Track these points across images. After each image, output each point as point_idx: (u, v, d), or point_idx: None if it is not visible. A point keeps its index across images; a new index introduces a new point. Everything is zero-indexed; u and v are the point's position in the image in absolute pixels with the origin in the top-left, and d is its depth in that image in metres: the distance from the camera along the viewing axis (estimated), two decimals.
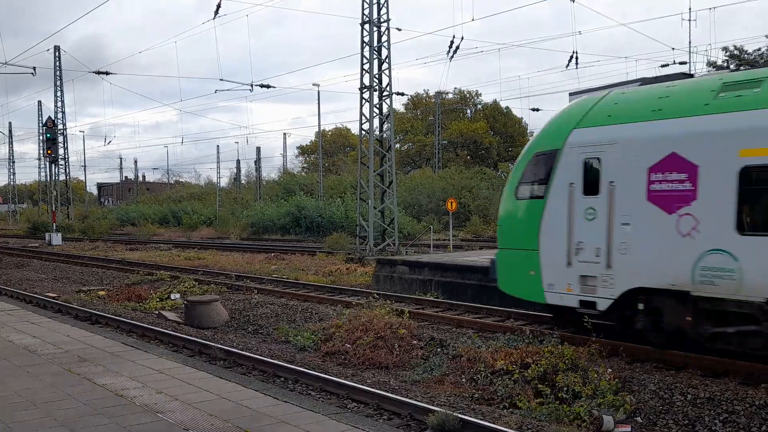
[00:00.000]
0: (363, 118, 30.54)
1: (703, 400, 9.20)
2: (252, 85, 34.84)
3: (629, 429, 9.01)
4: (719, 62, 38.84)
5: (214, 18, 30.86)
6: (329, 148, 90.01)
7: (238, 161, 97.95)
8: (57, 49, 55.19)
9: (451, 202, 30.61)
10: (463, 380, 11.21)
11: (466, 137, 77.08)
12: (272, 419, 7.27)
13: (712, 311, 10.08)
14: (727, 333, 10.07)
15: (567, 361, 10.40)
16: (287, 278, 21.60)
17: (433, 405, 9.19)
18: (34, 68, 41.51)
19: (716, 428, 8.71)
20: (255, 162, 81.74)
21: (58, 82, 56.00)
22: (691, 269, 10.13)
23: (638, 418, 9.33)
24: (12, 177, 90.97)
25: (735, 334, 10.00)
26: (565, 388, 9.90)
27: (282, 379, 11.18)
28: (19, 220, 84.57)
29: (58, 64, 55.53)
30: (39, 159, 71.26)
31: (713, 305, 10.00)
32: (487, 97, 71.31)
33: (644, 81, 12.61)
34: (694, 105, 10.53)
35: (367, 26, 29.70)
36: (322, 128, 59.26)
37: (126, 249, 39.25)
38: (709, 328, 10.21)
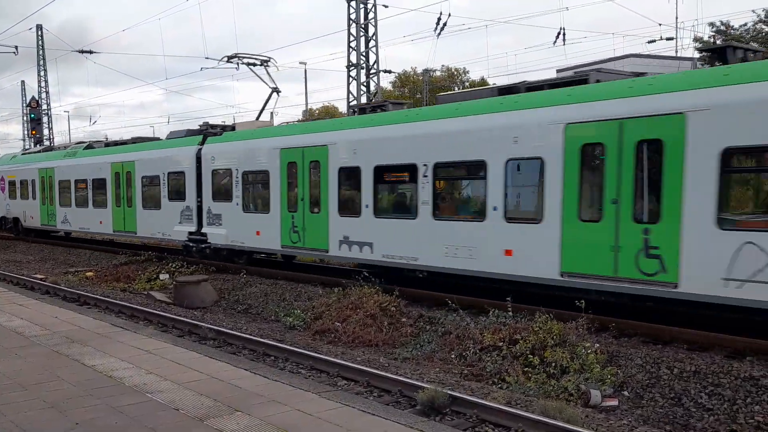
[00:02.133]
0: (350, 96, 30.37)
1: (689, 373, 9.31)
2: (238, 64, 34.43)
3: (616, 402, 9.12)
4: (706, 38, 38.86)
5: None
6: None
7: None
8: (39, 28, 54.31)
9: None
10: (453, 357, 11.29)
11: None
12: (262, 398, 7.29)
13: None
14: None
15: (555, 337, 10.48)
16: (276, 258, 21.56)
17: (422, 382, 9.27)
18: (16, 47, 40.92)
19: (702, 401, 8.83)
20: None
21: (42, 62, 55.18)
22: None
23: (625, 392, 9.44)
24: None
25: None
26: (554, 364, 9.99)
27: (272, 358, 11.22)
28: None
29: (40, 43, 54.69)
30: (23, 140, 70.39)
31: None
32: (474, 75, 70.89)
33: None
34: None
35: (353, 3, 29.43)
36: (309, 107, 58.80)
37: None
38: None
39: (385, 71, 36.09)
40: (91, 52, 39.34)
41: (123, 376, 8.19)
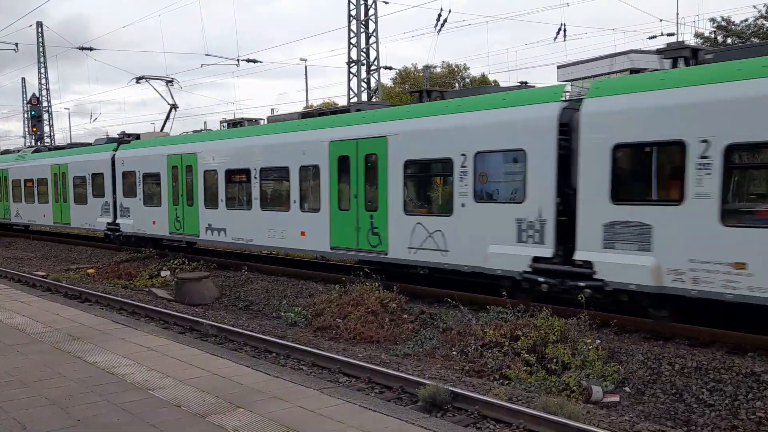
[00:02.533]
0: (351, 92, 30.35)
1: (691, 369, 9.31)
2: (238, 60, 34.45)
3: (618, 399, 9.13)
4: (707, 33, 38.78)
5: None
6: None
7: None
8: (39, 25, 54.33)
9: None
10: (454, 353, 11.29)
11: None
12: (264, 395, 7.30)
13: None
14: None
15: (557, 333, 10.48)
16: (277, 254, 21.60)
17: (424, 378, 9.27)
18: (16, 44, 40.88)
19: (703, 397, 8.83)
20: None
21: (42, 59, 55.17)
22: None
23: (627, 388, 9.45)
24: None
25: None
26: (555, 360, 9.99)
27: (273, 354, 11.23)
28: None
29: (41, 40, 54.67)
30: (24, 137, 70.38)
31: None
32: (475, 71, 70.66)
33: None
34: None
35: None
36: (309, 103, 58.75)
37: None
38: None
39: (386, 68, 36.04)
40: (91, 48, 39.28)
41: (125, 372, 8.19)
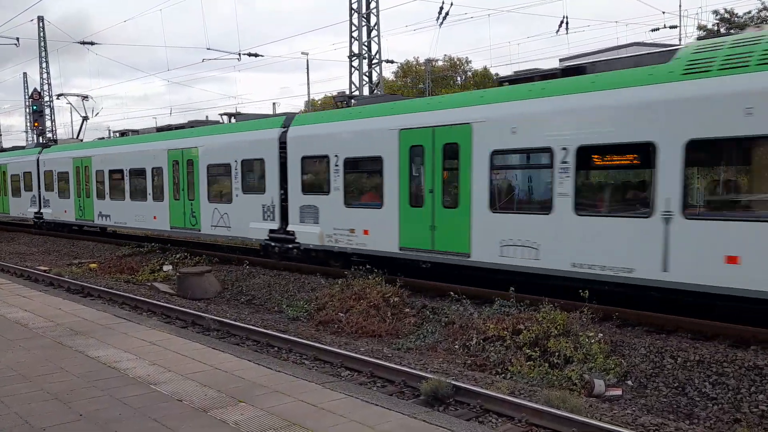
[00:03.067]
0: (353, 86, 30.27)
1: (693, 362, 9.29)
2: (240, 54, 34.39)
3: (620, 392, 9.11)
4: (710, 26, 38.63)
5: None
6: None
7: None
8: (41, 19, 54.25)
9: None
10: (456, 347, 11.29)
11: None
12: (266, 389, 7.30)
13: None
14: None
15: (559, 327, 10.46)
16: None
17: (426, 372, 9.26)
18: (18, 39, 40.81)
19: (706, 390, 8.82)
20: None
21: (43, 54, 55.13)
22: None
23: (629, 382, 9.43)
24: None
25: None
26: (557, 353, 9.98)
27: (275, 348, 11.22)
28: None
29: (42, 34, 54.61)
30: (26, 132, 70.45)
31: None
32: (477, 64, 70.67)
33: None
34: None
35: None
36: (311, 97, 58.71)
37: None
38: None
39: (388, 61, 35.95)
40: (92, 43, 39.19)
41: (126, 367, 8.19)
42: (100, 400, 6.95)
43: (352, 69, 30.19)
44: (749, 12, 38.42)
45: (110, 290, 16.57)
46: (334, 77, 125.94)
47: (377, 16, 29.92)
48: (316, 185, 16.78)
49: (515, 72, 14.75)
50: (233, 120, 20.56)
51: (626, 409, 8.33)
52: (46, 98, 55.57)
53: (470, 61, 72.83)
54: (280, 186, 17.73)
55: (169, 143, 22.10)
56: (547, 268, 11.94)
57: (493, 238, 12.66)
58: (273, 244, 18.36)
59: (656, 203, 10.39)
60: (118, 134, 28.66)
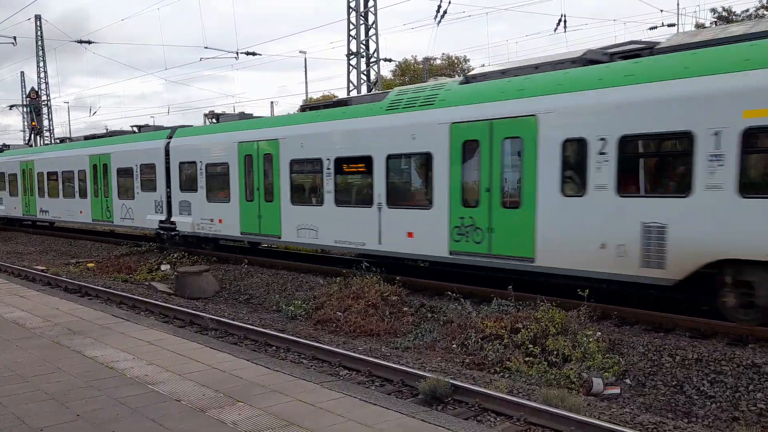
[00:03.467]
0: (350, 85, 30.24)
1: (692, 361, 9.29)
2: (237, 53, 34.37)
3: (618, 391, 9.11)
4: (708, 24, 38.64)
5: None
6: None
7: None
8: (38, 18, 54.14)
9: None
10: (454, 346, 11.28)
11: None
12: (264, 389, 7.28)
13: None
14: None
15: (557, 326, 10.45)
16: (277, 248, 21.60)
17: (424, 371, 9.25)
18: (15, 38, 40.68)
19: (704, 388, 8.81)
20: None
21: (41, 53, 55.01)
22: None
23: (627, 380, 9.43)
24: None
25: None
26: (556, 352, 9.97)
27: (274, 348, 11.20)
28: None
29: (39, 33, 54.50)
30: (23, 131, 70.25)
31: None
32: (474, 63, 70.55)
33: None
34: None
35: None
36: (309, 96, 58.52)
37: None
38: None
39: (386, 60, 35.93)
40: (90, 42, 39.16)
41: (124, 367, 8.17)
42: (97, 400, 6.93)
43: (350, 68, 30.15)
44: (747, 10, 38.46)
45: (108, 290, 16.54)
46: (333, 76, 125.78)
47: (375, 14, 29.89)
48: (189, 185, 21.23)
49: (316, 100, 19.15)
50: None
51: (624, 408, 8.32)
52: (44, 97, 55.48)
53: (468, 60, 72.74)
54: (167, 185, 22.22)
55: (90, 150, 26.84)
56: (323, 243, 16.79)
57: (293, 224, 17.43)
58: (162, 232, 22.71)
59: (374, 198, 14.99)
60: (59, 141, 34.38)
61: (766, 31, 9.94)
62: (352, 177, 15.91)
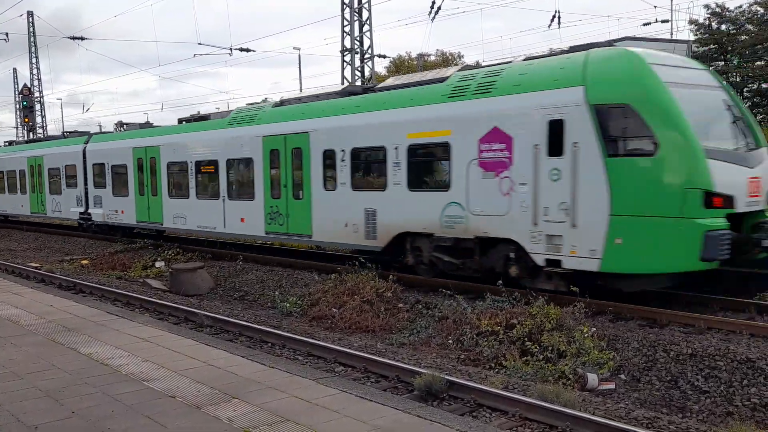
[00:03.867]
0: (345, 81, 30.19)
1: (686, 356, 9.32)
2: (231, 49, 34.23)
3: (613, 386, 9.14)
4: (701, 20, 38.70)
5: None
6: None
7: None
8: (30, 14, 53.87)
9: None
10: (450, 342, 11.29)
11: None
12: (260, 385, 7.28)
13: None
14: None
15: (552, 321, 10.47)
16: (272, 245, 21.59)
17: (419, 367, 9.25)
18: (7, 34, 40.48)
19: (699, 384, 8.85)
20: None
21: (33, 49, 54.74)
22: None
23: (622, 375, 9.46)
24: None
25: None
26: (551, 348, 9.99)
27: (269, 344, 11.20)
28: None
29: (32, 30, 54.22)
30: (16, 128, 69.89)
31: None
32: (469, 59, 70.61)
33: None
34: None
35: None
36: (303, 92, 58.53)
37: None
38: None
39: (380, 56, 35.91)
40: (82, 38, 38.93)
41: (119, 364, 8.16)
42: (92, 397, 6.92)
43: (344, 64, 30.12)
44: (740, 6, 38.51)
45: (102, 287, 16.50)
46: (327, 72, 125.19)
47: (369, 10, 29.85)
48: (100, 182, 25.36)
49: (190, 115, 22.87)
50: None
51: (619, 403, 8.35)
52: (36, 94, 55.22)
53: (462, 56, 72.70)
54: (84, 183, 26.33)
55: (27, 153, 31.54)
56: (189, 228, 21.04)
57: (171, 213, 21.49)
58: (81, 221, 27.08)
59: (220, 192, 19.31)
60: (6, 143, 38.06)
61: (427, 80, 14.50)
62: (206, 176, 20.06)
